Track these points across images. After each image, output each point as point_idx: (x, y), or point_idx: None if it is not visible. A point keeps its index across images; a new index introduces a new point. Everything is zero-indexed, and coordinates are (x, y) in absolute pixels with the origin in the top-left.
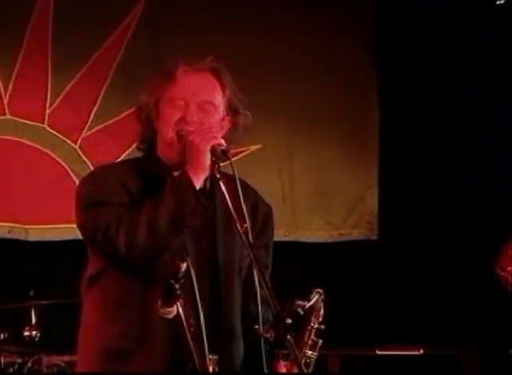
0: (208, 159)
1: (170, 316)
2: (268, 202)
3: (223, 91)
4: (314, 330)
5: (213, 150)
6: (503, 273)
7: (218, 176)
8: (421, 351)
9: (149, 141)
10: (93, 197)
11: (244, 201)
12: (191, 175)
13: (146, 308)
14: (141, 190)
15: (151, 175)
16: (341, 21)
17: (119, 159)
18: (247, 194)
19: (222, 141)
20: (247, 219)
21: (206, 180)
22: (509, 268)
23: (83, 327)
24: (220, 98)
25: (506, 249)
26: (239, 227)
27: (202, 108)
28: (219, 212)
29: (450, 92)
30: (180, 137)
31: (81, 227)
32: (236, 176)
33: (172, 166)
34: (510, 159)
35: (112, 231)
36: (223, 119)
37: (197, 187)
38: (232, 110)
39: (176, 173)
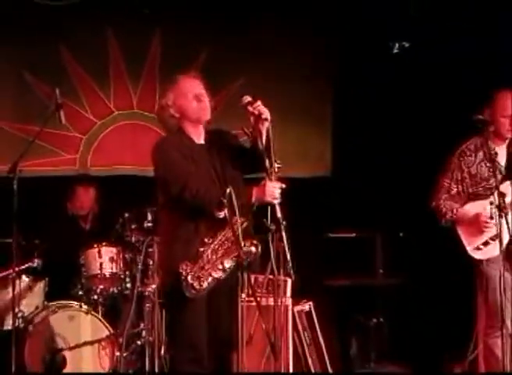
0: None
1: (221, 216)
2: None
3: (205, 87)
4: None
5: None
6: (435, 204)
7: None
8: (354, 234)
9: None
10: (164, 159)
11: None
12: None
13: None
14: (184, 146)
15: (186, 139)
16: (312, 57)
17: None
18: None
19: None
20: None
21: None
22: (440, 201)
23: (160, 231)
24: (204, 91)
25: (437, 185)
26: (267, 165)
27: (199, 97)
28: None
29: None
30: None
31: (158, 177)
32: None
33: (193, 135)
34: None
35: (182, 189)
36: (210, 101)
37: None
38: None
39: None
